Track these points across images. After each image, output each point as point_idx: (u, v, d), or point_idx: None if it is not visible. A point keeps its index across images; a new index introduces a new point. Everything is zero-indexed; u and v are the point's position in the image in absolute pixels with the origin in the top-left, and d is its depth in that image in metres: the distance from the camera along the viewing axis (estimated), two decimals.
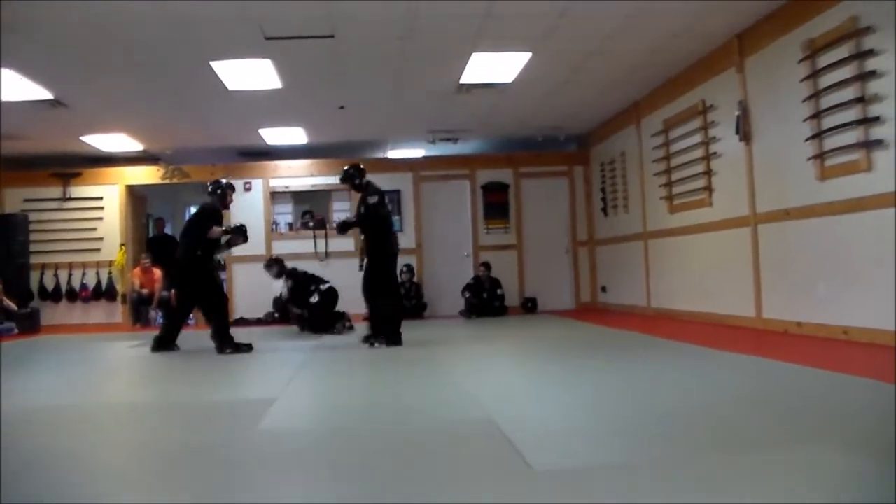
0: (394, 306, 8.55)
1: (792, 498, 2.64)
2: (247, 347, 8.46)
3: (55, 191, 13.98)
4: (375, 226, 8.50)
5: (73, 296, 13.94)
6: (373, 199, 8.45)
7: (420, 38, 8.16)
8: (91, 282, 13.97)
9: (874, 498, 2.63)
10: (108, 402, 5.77)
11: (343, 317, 10.84)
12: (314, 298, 10.87)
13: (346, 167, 8.91)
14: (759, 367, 5.74)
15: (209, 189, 9.03)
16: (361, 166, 8.90)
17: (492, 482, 3.02)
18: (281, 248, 13.88)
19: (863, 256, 6.60)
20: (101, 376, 7.46)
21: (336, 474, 3.29)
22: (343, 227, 8.95)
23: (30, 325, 12.87)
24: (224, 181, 9.14)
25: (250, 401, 5.21)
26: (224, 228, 8.80)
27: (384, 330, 8.33)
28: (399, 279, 11.10)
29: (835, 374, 5.10)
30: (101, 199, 14.08)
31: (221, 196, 8.97)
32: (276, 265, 11.55)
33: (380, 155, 14.85)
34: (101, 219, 14.06)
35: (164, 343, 8.79)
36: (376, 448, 3.71)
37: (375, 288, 8.37)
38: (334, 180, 14.16)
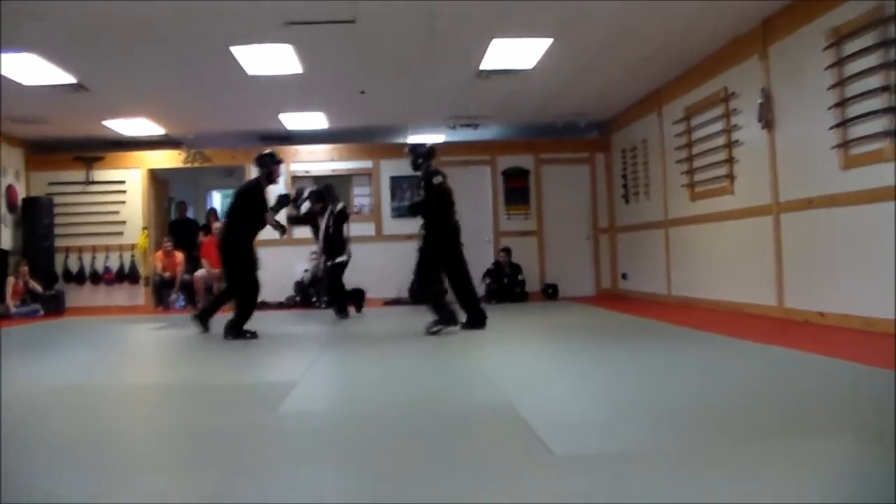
0: (457, 287, 8.34)
1: (812, 488, 2.64)
2: (251, 335, 8.32)
3: (79, 174, 14.08)
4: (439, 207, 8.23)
5: (96, 278, 14.06)
6: (438, 179, 8.21)
7: (441, 23, 8.14)
8: (114, 265, 14.08)
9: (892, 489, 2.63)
10: (131, 384, 5.83)
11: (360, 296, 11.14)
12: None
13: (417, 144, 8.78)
14: (779, 357, 5.71)
15: (256, 163, 8.88)
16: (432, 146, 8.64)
17: (511, 467, 3.04)
18: (302, 232, 13.88)
19: (886, 247, 6.55)
20: (124, 358, 7.53)
21: (354, 457, 3.31)
22: (414, 210, 8.56)
23: (54, 307, 13.02)
24: (270, 153, 8.90)
25: (271, 384, 5.25)
26: (271, 208, 8.87)
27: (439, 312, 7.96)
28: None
29: (855, 365, 5.07)
30: (123, 182, 14.17)
31: (268, 172, 8.75)
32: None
33: (400, 140, 14.84)
34: (123, 202, 14.15)
35: (205, 316, 8.93)
36: (395, 432, 3.72)
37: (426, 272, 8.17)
38: (354, 165, 14.26)
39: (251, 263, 8.60)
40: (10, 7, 7.01)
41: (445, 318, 7.87)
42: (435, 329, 7.84)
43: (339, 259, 10.81)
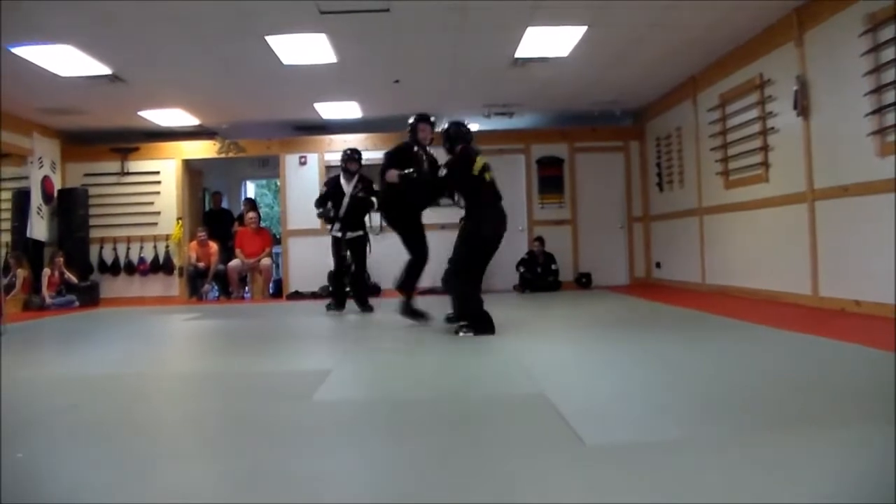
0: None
1: (843, 476, 2.63)
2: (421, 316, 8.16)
3: (114, 165, 14.19)
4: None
5: (131, 269, 14.15)
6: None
7: (475, 12, 8.14)
8: (148, 255, 14.17)
9: None
10: (166, 373, 5.88)
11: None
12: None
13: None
14: (814, 346, 5.68)
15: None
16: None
17: (543, 455, 3.04)
18: None
19: None
20: (159, 347, 7.60)
21: (388, 445, 3.33)
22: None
23: (90, 297, 13.14)
24: (415, 117, 8.54)
25: (306, 372, 5.28)
26: (404, 172, 8.00)
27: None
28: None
29: (890, 354, 5.03)
30: (158, 173, 14.26)
31: (412, 131, 8.44)
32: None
33: (435, 129, 14.83)
34: (158, 193, 14.23)
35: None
36: (428, 419, 3.75)
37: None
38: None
39: (404, 221, 8.45)
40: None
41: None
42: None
43: None
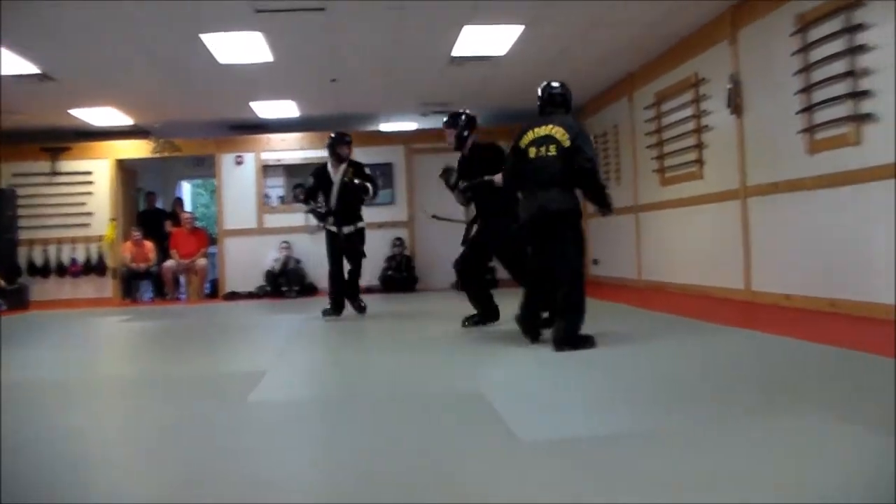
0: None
1: (779, 464, 2.66)
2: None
3: (44, 165, 13.88)
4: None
5: (62, 271, 13.86)
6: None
7: (412, 11, 8.12)
8: (81, 257, 13.90)
9: (864, 462, 2.66)
10: (98, 376, 5.79)
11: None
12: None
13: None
14: (747, 339, 5.78)
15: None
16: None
17: (478, 452, 3.05)
18: (272, 221, 13.89)
19: (851, 230, 6.62)
20: (91, 351, 7.47)
21: (323, 445, 3.32)
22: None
23: (18, 301, 12.79)
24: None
25: (241, 373, 5.23)
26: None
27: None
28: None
29: (823, 346, 5.13)
30: (90, 173, 13.98)
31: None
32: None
33: (372, 128, 14.81)
34: (90, 193, 13.96)
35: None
36: (364, 419, 3.74)
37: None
38: (326, 153, 14.17)
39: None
40: None
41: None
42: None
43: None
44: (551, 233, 5.79)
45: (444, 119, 7.43)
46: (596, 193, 5.93)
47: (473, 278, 7.30)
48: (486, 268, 7.78)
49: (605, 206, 5.94)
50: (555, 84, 6.18)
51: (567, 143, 5.69)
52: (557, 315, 5.81)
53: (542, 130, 5.88)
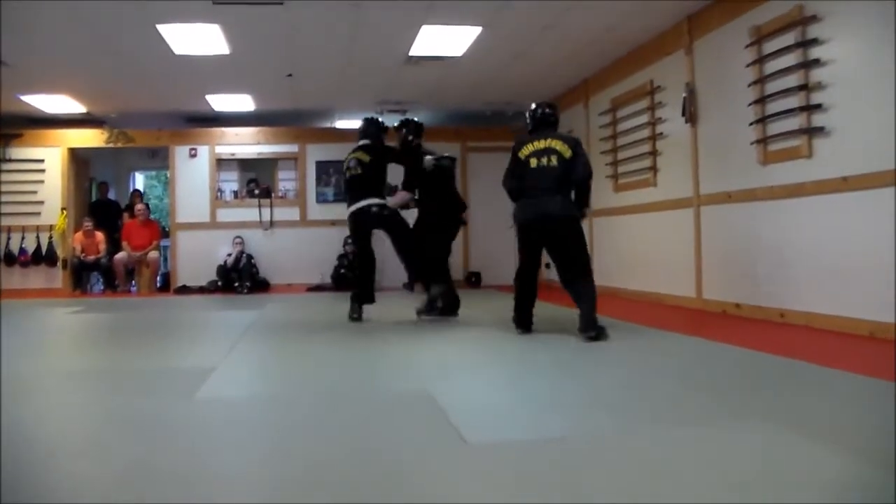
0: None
1: (723, 470, 2.69)
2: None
3: None
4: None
5: (11, 260, 13.61)
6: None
7: (370, 9, 8.10)
8: (30, 246, 13.68)
9: (802, 466, 2.70)
10: (46, 369, 5.70)
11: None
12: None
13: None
14: (696, 347, 5.84)
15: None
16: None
17: (425, 454, 3.05)
18: (225, 215, 13.79)
19: (801, 241, 6.72)
20: (39, 343, 7.37)
21: (271, 444, 3.30)
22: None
23: None
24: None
25: (190, 369, 5.18)
26: None
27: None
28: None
29: (769, 356, 5.19)
30: (42, 161, 13.75)
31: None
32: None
33: (327, 125, 14.76)
34: (41, 182, 13.72)
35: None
36: (312, 419, 3.72)
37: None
38: (280, 149, 14.14)
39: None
40: None
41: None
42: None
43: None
44: (561, 235, 6.63)
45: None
46: (587, 197, 6.84)
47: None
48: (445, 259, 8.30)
49: (587, 207, 6.91)
50: (548, 106, 6.99)
51: (568, 154, 6.50)
52: (582, 306, 6.40)
53: (541, 143, 6.60)
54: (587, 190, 6.80)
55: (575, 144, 6.60)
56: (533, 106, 6.97)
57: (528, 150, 6.66)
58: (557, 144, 6.54)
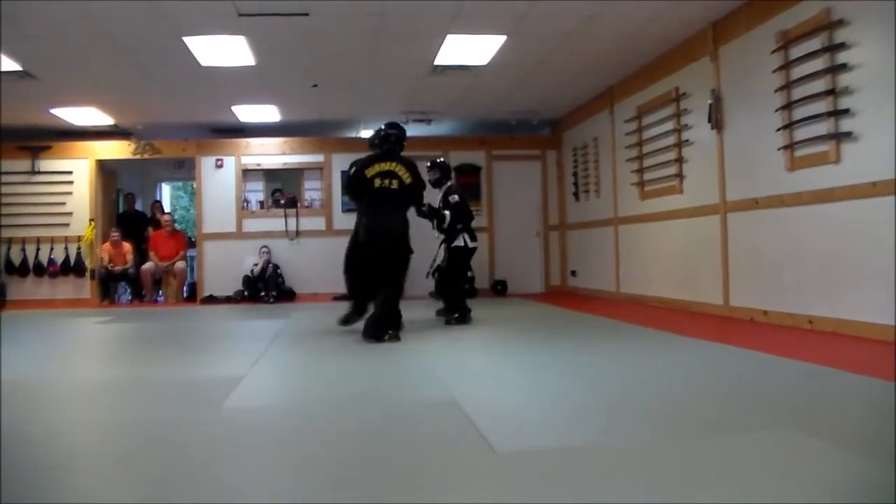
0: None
1: (755, 479, 2.67)
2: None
3: (24, 164, 13.74)
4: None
5: (40, 271, 13.71)
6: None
7: (395, 18, 8.12)
8: (59, 257, 13.77)
9: (836, 477, 2.67)
10: (74, 379, 5.74)
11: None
12: None
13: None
14: (724, 354, 5.80)
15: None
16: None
17: (453, 464, 3.04)
18: (251, 225, 13.84)
19: (829, 247, 6.67)
20: (68, 352, 7.43)
21: (297, 453, 3.30)
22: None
23: None
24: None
25: (217, 378, 5.20)
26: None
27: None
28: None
29: (798, 363, 5.15)
30: (70, 173, 13.86)
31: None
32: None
33: (353, 135, 14.79)
34: (70, 193, 13.83)
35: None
36: (340, 428, 3.72)
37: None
38: (306, 158, 14.18)
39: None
40: None
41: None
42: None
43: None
44: (392, 249, 7.27)
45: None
46: (424, 216, 8.40)
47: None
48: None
49: (438, 220, 8.59)
50: (393, 126, 7.67)
51: (408, 180, 7.38)
52: (376, 308, 7.20)
53: (385, 166, 7.36)
54: (420, 214, 8.24)
55: (414, 172, 7.47)
56: (381, 127, 7.69)
57: (373, 170, 7.35)
58: (399, 169, 7.35)
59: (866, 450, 3.03)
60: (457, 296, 8.83)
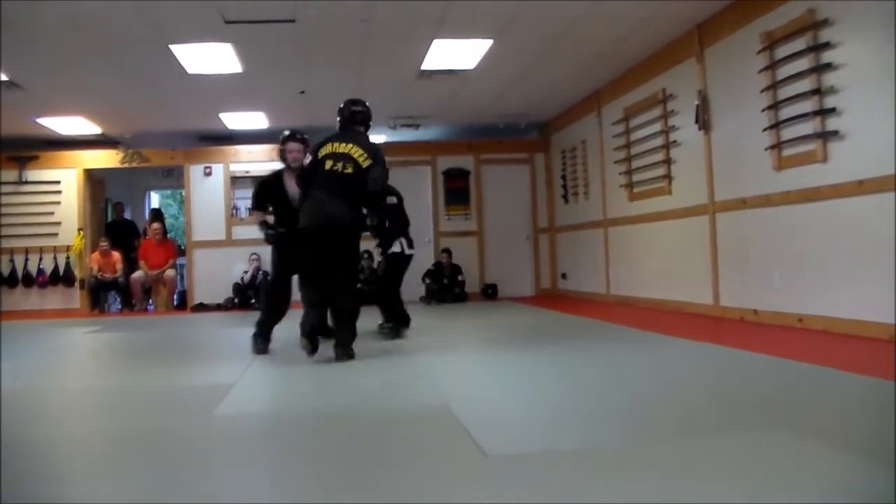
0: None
1: (747, 481, 2.68)
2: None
3: (11, 174, 13.68)
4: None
5: (29, 281, 13.66)
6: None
7: (382, 24, 8.13)
8: (48, 267, 13.72)
9: (826, 477, 2.68)
10: (65, 387, 5.72)
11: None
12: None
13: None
14: (715, 355, 5.81)
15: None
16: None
17: (445, 468, 3.05)
18: (241, 233, 13.80)
19: (817, 245, 6.70)
20: (58, 362, 7.41)
21: (290, 460, 3.30)
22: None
23: None
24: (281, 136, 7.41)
25: (208, 386, 5.19)
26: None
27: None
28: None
29: (789, 362, 5.16)
30: (58, 182, 13.80)
31: (280, 155, 7.39)
32: None
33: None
34: (58, 203, 13.77)
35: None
36: (331, 433, 3.73)
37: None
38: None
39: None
40: None
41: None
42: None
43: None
44: (337, 242, 6.12)
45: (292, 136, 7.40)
46: (375, 209, 6.93)
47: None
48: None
49: (375, 218, 7.08)
50: (357, 103, 6.68)
51: (366, 164, 6.16)
52: (337, 326, 6.27)
53: (341, 147, 6.24)
54: (375, 204, 6.78)
55: (374, 153, 6.27)
56: (342, 103, 6.71)
57: (326, 150, 6.29)
58: (356, 152, 6.19)
59: (859, 449, 3.04)
60: (394, 305, 7.90)
